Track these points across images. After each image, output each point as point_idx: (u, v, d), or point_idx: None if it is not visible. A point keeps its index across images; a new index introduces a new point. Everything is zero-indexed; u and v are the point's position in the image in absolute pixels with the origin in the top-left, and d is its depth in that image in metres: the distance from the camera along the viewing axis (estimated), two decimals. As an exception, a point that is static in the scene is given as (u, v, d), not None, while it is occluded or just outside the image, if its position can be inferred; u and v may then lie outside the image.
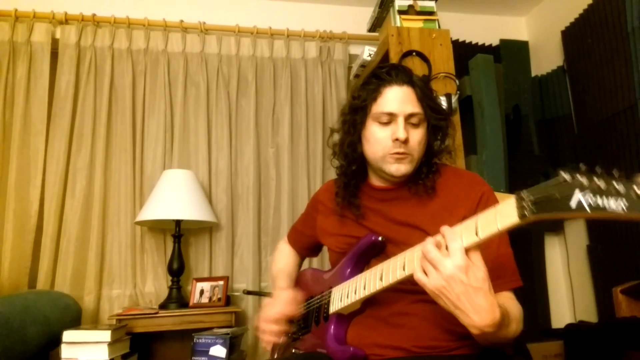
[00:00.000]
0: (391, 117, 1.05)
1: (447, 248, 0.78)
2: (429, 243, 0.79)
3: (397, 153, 1.05)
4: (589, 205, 0.62)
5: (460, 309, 0.76)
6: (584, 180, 0.63)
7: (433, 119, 1.08)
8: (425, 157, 1.10)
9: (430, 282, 0.78)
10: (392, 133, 1.04)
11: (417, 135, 1.06)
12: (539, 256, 2.80)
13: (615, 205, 0.60)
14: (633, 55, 2.19)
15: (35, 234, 2.26)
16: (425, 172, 1.09)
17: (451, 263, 0.75)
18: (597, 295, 2.48)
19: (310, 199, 1.40)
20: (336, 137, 1.21)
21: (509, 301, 0.94)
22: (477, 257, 0.77)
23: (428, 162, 1.11)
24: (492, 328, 0.76)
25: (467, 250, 0.77)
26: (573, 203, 0.63)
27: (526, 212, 0.69)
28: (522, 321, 0.91)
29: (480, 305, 0.75)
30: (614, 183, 0.61)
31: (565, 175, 0.65)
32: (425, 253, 0.78)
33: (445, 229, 0.80)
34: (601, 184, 0.62)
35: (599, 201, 0.61)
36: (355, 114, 1.11)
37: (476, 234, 0.77)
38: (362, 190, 1.17)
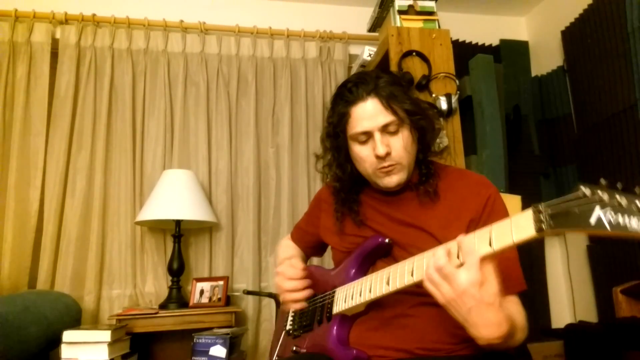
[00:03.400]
0: (367, 135, 1.03)
1: (458, 257, 0.77)
2: (441, 256, 0.77)
3: (384, 167, 1.04)
4: (609, 222, 0.60)
5: (469, 322, 0.75)
6: (604, 196, 0.61)
7: (409, 120, 1.03)
8: (420, 156, 1.09)
9: (441, 294, 0.77)
10: (372, 149, 1.03)
11: (399, 142, 1.03)
12: (539, 256, 2.80)
13: (637, 224, 0.58)
14: (633, 55, 2.19)
15: (35, 234, 2.26)
16: (425, 174, 1.08)
17: (466, 278, 0.73)
18: (597, 295, 2.48)
19: (313, 197, 1.39)
20: (322, 155, 1.19)
21: (515, 307, 0.94)
22: (490, 270, 0.76)
23: (425, 160, 1.09)
24: (499, 340, 0.76)
25: (481, 263, 0.75)
26: (593, 219, 0.61)
27: (543, 226, 0.67)
28: (527, 328, 0.91)
29: (490, 320, 0.74)
30: (637, 202, 0.58)
31: (585, 190, 0.63)
32: (439, 267, 0.76)
33: (462, 239, 0.78)
34: (622, 201, 0.59)
35: (620, 219, 0.59)
36: (335, 139, 1.10)
37: (490, 245, 0.75)
38: (364, 192, 1.16)
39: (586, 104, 2.54)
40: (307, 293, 1.12)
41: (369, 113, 1.02)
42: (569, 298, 2.74)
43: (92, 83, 2.43)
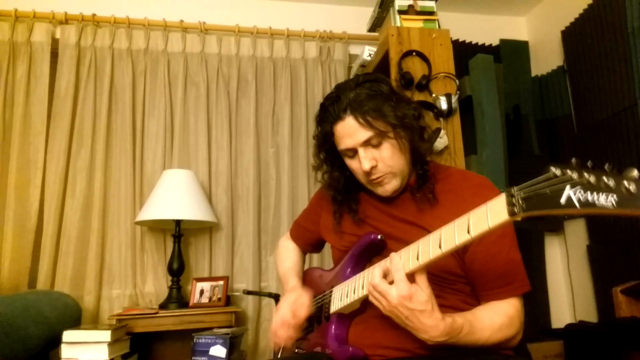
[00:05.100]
0: (353, 150, 1.05)
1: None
2: (376, 275, 0.88)
3: (373, 179, 1.06)
4: (579, 200, 0.60)
5: (409, 326, 0.86)
6: (574, 175, 0.61)
7: (391, 129, 1.02)
8: (414, 159, 1.09)
9: (382, 306, 0.88)
10: (359, 164, 1.05)
11: (384, 153, 1.03)
12: (539, 256, 2.80)
13: (605, 200, 0.58)
14: (633, 55, 2.19)
15: (35, 234, 2.26)
16: (421, 175, 1.08)
17: (396, 293, 0.85)
18: (597, 295, 2.48)
19: (314, 195, 1.40)
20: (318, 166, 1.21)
21: (481, 311, 0.96)
22: (422, 279, 0.86)
23: (420, 161, 1.09)
24: (442, 338, 0.85)
25: (414, 274, 0.85)
26: (563, 199, 0.62)
27: (516, 209, 0.68)
28: (507, 329, 0.94)
29: (425, 323, 0.84)
30: (604, 178, 0.59)
31: (556, 170, 0.64)
32: (374, 286, 0.88)
33: (392, 256, 0.88)
34: (591, 178, 0.60)
35: (589, 196, 0.59)
36: (326, 152, 1.13)
37: (468, 232, 0.76)
38: (365, 190, 1.16)
39: (586, 104, 2.54)
40: (295, 344, 1.19)
41: (347, 131, 1.03)
42: (569, 298, 2.74)
43: (92, 83, 2.43)
